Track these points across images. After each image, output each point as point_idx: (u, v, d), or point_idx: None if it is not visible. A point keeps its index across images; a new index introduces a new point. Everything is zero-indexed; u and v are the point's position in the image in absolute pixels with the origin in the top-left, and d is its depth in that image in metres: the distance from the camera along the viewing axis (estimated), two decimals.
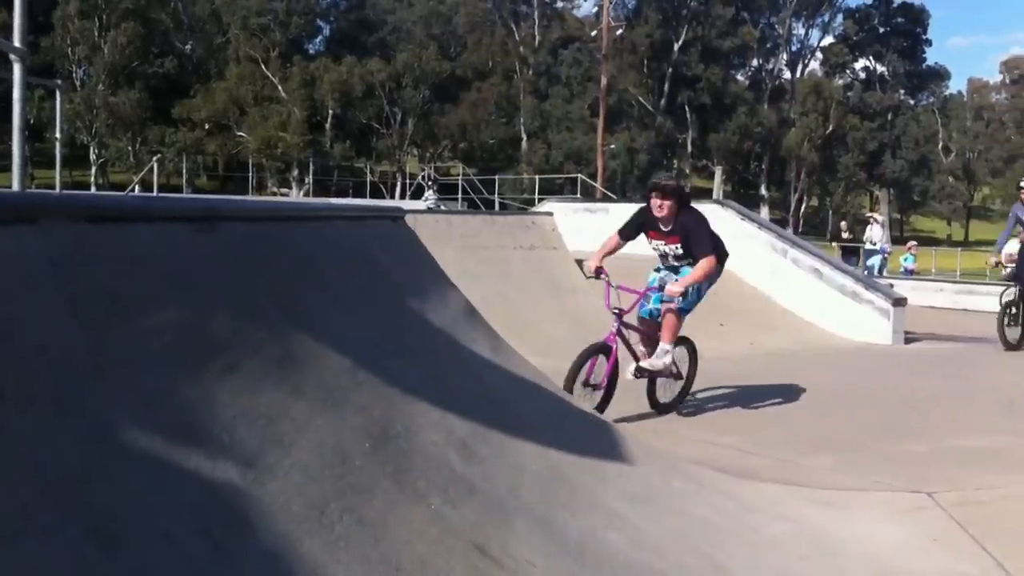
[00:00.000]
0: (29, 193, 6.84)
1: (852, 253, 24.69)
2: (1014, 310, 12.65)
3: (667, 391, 7.62)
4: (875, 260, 23.92)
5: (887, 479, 5.55)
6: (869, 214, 35.66)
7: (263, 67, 60.74)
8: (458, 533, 2.57)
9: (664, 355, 7.17)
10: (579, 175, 38.33)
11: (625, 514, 3.56)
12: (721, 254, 7.22)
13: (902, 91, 75.44)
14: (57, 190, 13.27)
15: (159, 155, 39.76)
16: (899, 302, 13.64)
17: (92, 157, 56.62)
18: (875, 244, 24.48)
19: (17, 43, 6.98)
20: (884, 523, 4.67)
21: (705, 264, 6.94)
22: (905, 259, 26.60)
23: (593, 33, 53.24)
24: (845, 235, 26.79)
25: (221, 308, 2.43)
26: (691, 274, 6.97)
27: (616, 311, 7.01)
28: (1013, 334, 12.51)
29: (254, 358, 2.39)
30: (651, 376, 7.35)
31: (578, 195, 33.88)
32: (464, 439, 3.12)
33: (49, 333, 1.86)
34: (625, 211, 18.73)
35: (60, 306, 1.93)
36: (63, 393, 1.79)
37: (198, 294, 2.40)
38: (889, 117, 71.56)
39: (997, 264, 13.43)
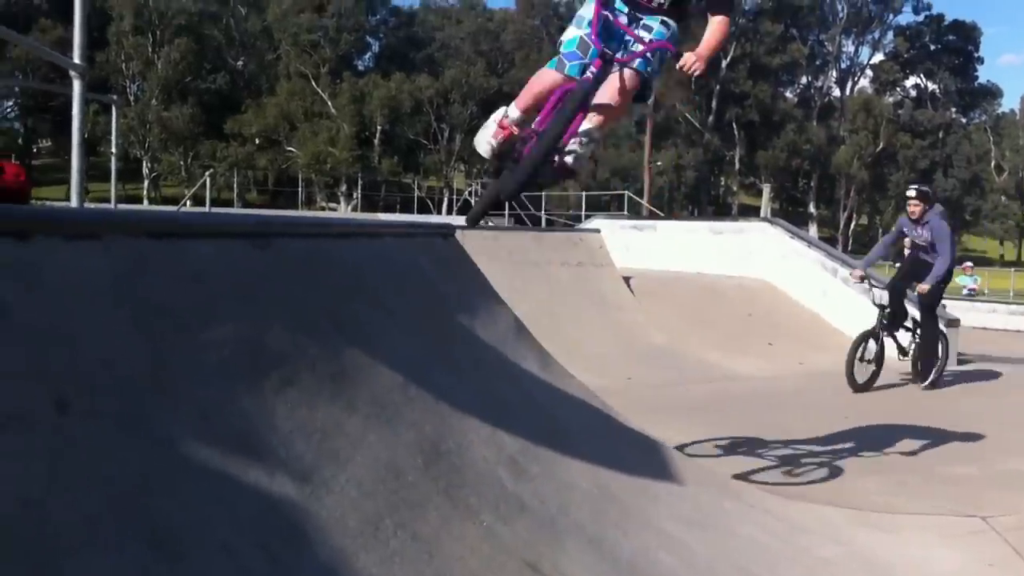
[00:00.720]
0: (92, 209, 6.96)
1: None
2: (871, 343, 10.48)
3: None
4: None
5: (939, 502, 5.45)
6: None
7: (313, 83, 61.46)
8: (510, 550, 2.57)
9: (589, 143, 4.56)
10: (626, 192, 38.35)
11: (677, 534, 3.53)
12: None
13: (953, 109, 74.61)
14: (112, 204, 13.48)
15: (211, 169, 40.25)
16: (952, 323, 13.42)
17: (145, 171, 57.64)
18: None
19: (77, 59, 7.08)
20: (937, 548, 4.59)
21: (725, 26, 4.85)
22: (965, 279, 26.10)
23: None
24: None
25: (276, 323, 2.46)
26: (708, 39, 4.85)
27: (610, 58, 4.60)
28: (864, 372, 10.34)
29: (309, 372, 2.41)
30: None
31: (625, 212, 33.85)
32: (514, 456, 3.12)
33: (112, 346, 1.88)
34: (673, 228, 18.67)
35: (122, 320, 1.96)
36: (125, 405, 1.81)
37: (254, 309, 2.43)
38: (940, 135, 70.77)
39: (862, 279, 11.90)
